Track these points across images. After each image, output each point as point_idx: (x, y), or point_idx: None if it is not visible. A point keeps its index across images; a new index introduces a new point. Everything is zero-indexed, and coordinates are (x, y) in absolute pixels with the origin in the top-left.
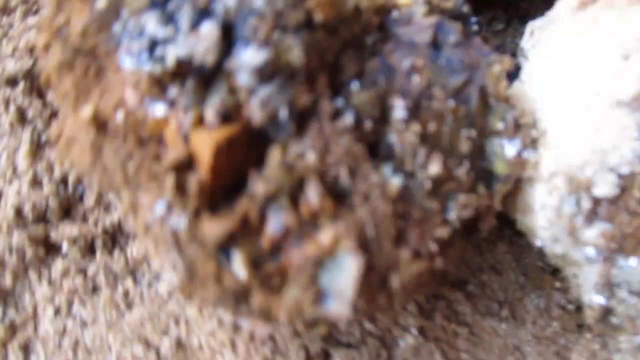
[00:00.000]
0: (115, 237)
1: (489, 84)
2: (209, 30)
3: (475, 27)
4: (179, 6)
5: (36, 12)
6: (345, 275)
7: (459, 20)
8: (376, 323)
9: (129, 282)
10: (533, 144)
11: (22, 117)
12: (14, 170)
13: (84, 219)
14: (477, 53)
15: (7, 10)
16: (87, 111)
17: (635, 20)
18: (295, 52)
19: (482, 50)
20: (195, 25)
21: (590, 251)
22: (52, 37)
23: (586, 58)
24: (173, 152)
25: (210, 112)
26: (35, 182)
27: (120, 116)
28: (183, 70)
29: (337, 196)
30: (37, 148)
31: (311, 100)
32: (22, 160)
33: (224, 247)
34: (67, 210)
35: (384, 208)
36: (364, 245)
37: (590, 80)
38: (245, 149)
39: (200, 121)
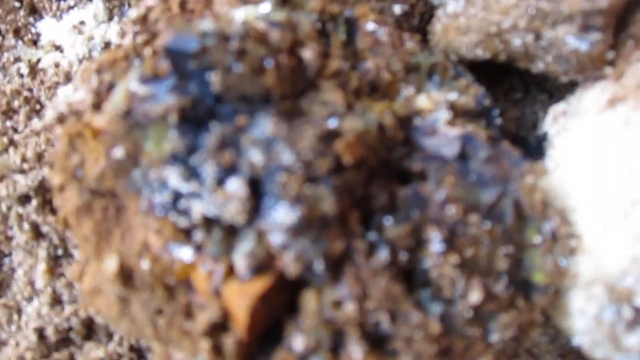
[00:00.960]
0: (141, 354)
1: (523, 196)
2: (236, 188)
3: (499, 120)
4: (202, 162)
5: (38, 112)
6: None
7: (482, 116)
8: None
9: None
10: (571, 252)
11: (37, 234)
12: (33, 288)
13: (109, 335)
14: (507, 162)
15: (9, 113)
16: (112, 264)
17: None
18: (328, 202)
19: (512, 158)
20: (220, 182)
21: (635, 358)
22: (67, 178)
23: (621, 162)
24: (207, 313)
25: (241, 263)
26: (56, 301)
27: (145, 264)
28: (210, 223)
29: (379, 341)
30: (55, 265)
31: (344, 244)
32: (40, 278)
33: None
34: (90, 328)
35: (429, 350)
36: None
37: (627, 186)
38: (279, 297)
39: (230, 271)
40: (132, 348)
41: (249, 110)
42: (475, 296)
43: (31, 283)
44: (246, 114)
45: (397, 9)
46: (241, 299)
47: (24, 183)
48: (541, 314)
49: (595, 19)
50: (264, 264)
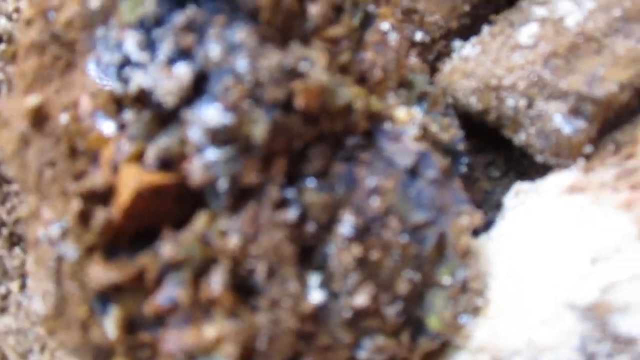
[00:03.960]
0: (23, 234)
1: (451, 233)
2: (182, 72)
3: (464, 168)
4: (162, 37)
5: None
6: None
7: (450, 155)
8: None
9: (14, 285)
10: (474, 311)
11: None
12: None
13: (2, 201)
14: (451, 196)
15: None
16: (33, 100)
17: (616, 226)
18: (259, 128)
19: (457, 196)
20: (171, 61)
21: None
22: (38, 14)
23: (558, 247)
24: (94, 177)
25: (152, 153)
26: None
27: (64, 119)
28: (143, 100)
29: (245, 292)
30: None
31: (259, 182)
32: None
33: (104, 297)
34: None
35: (290, 323)
36: (248, 357)
37: (553, 270)
38: (170, 203)
39: (139, 156)
40: (15, 223)
41: (231, 16)
42: (361, 299)
43: None
44: (226, 16)
45: (419, 36)
46: (133, 180)
47: (1, 25)
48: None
49: (587, 105)
50: (172, 162)
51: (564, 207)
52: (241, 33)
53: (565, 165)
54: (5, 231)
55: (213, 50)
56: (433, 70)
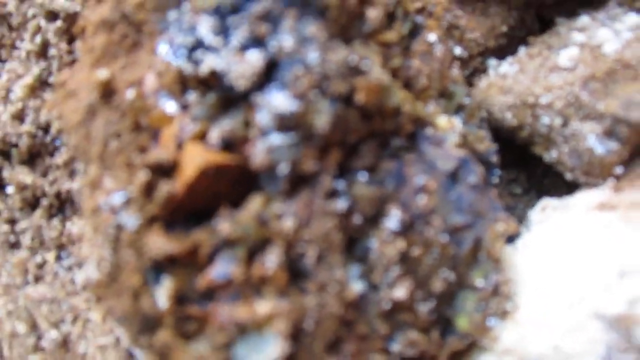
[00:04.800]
0: (62, 206)
1: (487, 238)
2: (255, 58)
3: (496, 180)
4: (237, 24)
5: None
6: (262, 357)
7: (484, 166)
8: None
9: (50, 256)
10: (502, 314)
11: (41, 52)
12: (6, 95)
13: (44, 174)
14: (488, 204)
15: None
16: (103, 74)
17: None
18: (322, 118)
19: (493, 204)
20: (244, 48)
21: None
22: None
23: (586, 259)
24: (160, 152)
25: (216, 133)
26: (18, 116)
27: (130, 94)
28: (211, 82)
29: (295, 274)
30: (39, 86)
31: (315, 170)
32: (19, 89)
33: (158, 268)
34: (33, 156)
35: (335, 308)
36: (296, 336)
37: (581, 281)
38: (228, 183)
39: (202, 136)
40: (57, 195)
41: (302, 11)
42: (400, 292)
43: (7, 90)
44: (297, 10)
45: (457, 50)
46: (198, 157)
47: (59, 2)
48: (446, 357)
49: (622, 128)
50: (235, 144)
51: (593, 222)
52: (312, 27)
53: (595, 184)
54: (45, 202)
55: (286, 40)
56: (468, 84)
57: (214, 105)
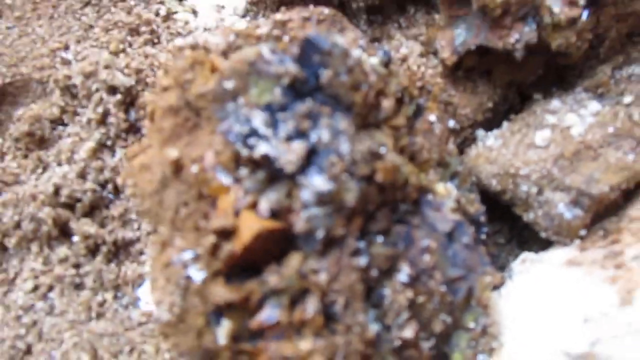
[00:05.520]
0: (118, 252)
1: (477, 288)
2: (299, 148)
3: (483, 236)
4: (285, 119)
5: (155, 44)
6: None
7: (473, 224)
8: None
9: (109, 295)
10: (490, 351)
11: (102, 120)
12: (71, 156)
13: (102, 224)
14: (478, 259)
15: (134, 33)
16: (174, 153)
17: (603, 295)
18: (351, 195)
19: (482, 259)
20: (290, 138)
21: None
22: (175, 85)
23: (557, 307)
24: (222, 219)
25: (265, 204)
26: (83, 174)
27: (194, 169)
28: (262, 163)
29: (327, 317)
30: (99, 149)
31: (343, 234)
32: (83, 152)
33: (219, 312)
34: (94, 209)
35: (358, 345)
36: None
37: (552, 325)
38: (275, 244)
39: (253, 205)
40: (114, 243)
41: (334, 107)
42: (408, 332)
43: (72, 152)
44: (331, 108)
45: (451, 123)
46: (253, 223)
47: (119, 79)
48: None
49: (585, 200)
50: (281, 212)
51: (563, 276)
52: (343, 122)
53: (564, 243)
54: (104, 249)
55: (324, 133)
56: (460, 152)
57: (263, 181)
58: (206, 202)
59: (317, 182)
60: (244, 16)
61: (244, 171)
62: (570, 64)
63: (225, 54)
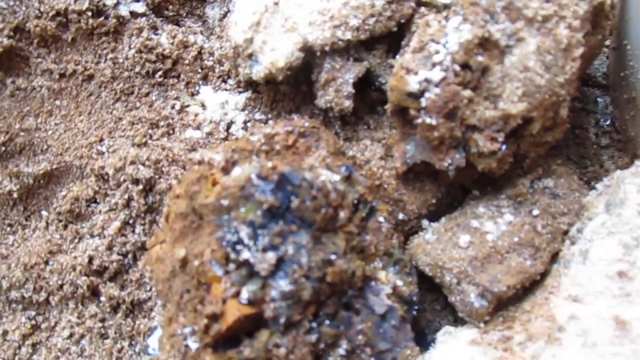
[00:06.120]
0: (134, 309)
1: (400, 358)
2: (271, 257)
3: (414, 312)
4: (263, 235)
5: (170, 135)
6: None
7: (407, 304)
8: None
9: (126, 343)
10: None
11: (126, 204)
12: (102, 231)
13: (122, 287)
14: (403, 336)
15: (154, 126)
16: (182, 253)
17: None
18: (307, 292)
19: (406, 336)
20: (265, 250)
21: None
22: (184, 195)
23: None
24: (213, 306)
25: (245, 294)
26: (110, 247)
27: (196, 262)
28: (244, 264)
29: None
30: (124, 227)
31: (299, 319)
32: (111, 229)
33: None
34: (117, 273)
35: None
36: None
37: None
38: (250, 323)
39: (237, 294)
40: (131, 302)
41: (299, 225)
42: None
43: (104, 227)
44: (297, 225)
45: (400, 216)
46: (236, 310)
47: (142, 172)
48: None
49: (489, 294)
50: (256, 300)
51: (466, 353)
52: (305, 238)
53: (474, 324)
54: (124, 307)
55: (290, 248)
56: (406, 238)
57: (245, 276)
58: (203, 289)
59: (282, 284)
60: (243, 110)
61: (231, 267)
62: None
63: (224, 169)
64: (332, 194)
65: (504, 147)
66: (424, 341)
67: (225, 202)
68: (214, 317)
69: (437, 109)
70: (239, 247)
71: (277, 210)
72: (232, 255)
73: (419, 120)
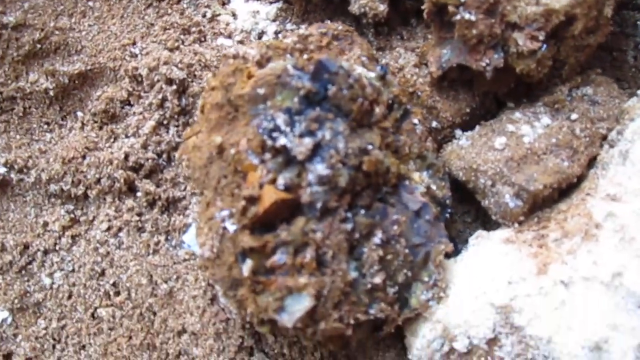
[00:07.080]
0: (169, 206)
1: (433, 253)
2: (308, 142)
3: (447, 216)
4: (300, 121)
5: (202, 42)
6: (299, 305)
7: (440, 206)
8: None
9: (162, 237)
10: (438, 299)
11: (161, 104)
12: (137, 131)
13: (158, 185)
14: (437, 232)
15: (186, 32)
16: (218, 139)
17: (525, 266)
18: (343, 178)
19: (440, 232)
20: (302, 135)
21: None
22: (220, 86)
23: (490, 271)
24: (250, 190)
25: (281, 181)
26: (145, 145)
27: (232, 151)
28: (281, 151)
29: (319, 263)
30: (158, 127)
31: (335, 206)
32: (146, 128)
33: (245, 253)
34: (152, 172)
35: (340, 284)
36: (318, 297)
37: (485, 284)
38: (287, 209)
39: (273, 181)
40: (167, 199)
41: (336, 114)
42: (378, 279)
43: (137, 127)
44: (333, 114)
45: (434, 124)
46: (272, 194)
47: (175, 73)
48: (401, 323)
49: (524, 193)
50: (293, 186)
51: (499, 250)
52: (342, 126)
53: (507, 225)
54: (159, 203)
55: (327, 134)
56: (440, 147)
57: (281, 163)
58: (239, 176)
59: (319, 168)
60: (274, 20)
61: (267, 155)
62: (533, 82)
63: (259, 63)
64: (368, 88)
65: (544, 46)
66: (454, 250)
67: (261, 91)
68: (252, 200)
69: (477, 4)
70: (275, 134)
71: (314, 97)
72: (269, 143)
73: (457, 17)
